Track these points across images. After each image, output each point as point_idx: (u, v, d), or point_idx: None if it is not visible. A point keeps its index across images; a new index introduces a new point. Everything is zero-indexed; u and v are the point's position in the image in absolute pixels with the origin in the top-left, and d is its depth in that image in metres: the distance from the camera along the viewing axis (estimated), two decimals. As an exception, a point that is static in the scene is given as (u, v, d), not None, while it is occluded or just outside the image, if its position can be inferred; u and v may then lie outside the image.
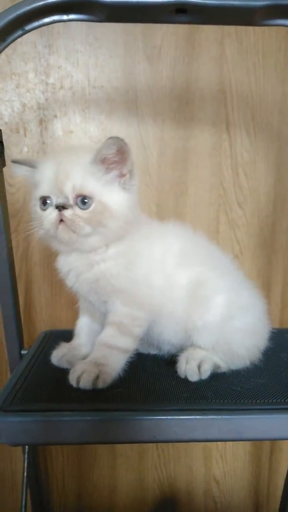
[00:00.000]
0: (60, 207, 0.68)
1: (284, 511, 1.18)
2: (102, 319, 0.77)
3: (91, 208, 0.69)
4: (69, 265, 0.75)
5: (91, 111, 1.11)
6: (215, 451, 1.33)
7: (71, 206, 0.69)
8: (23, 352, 0.92)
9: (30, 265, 1.17)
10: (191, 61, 1.13)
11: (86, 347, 0.78)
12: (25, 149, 1.12)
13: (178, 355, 0.75)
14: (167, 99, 1.14)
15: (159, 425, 0.60)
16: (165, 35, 1.11)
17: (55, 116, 1.11)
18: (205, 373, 0.72)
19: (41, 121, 1.11)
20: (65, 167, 0.70)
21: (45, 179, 0.71)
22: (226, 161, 1.19)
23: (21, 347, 0.93)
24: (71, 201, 0.69)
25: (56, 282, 1.18)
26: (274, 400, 0.65)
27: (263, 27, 1.13)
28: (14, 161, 0.76)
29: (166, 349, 0.80)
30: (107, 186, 0.70)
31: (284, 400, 0.65)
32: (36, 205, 0.72)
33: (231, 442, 1.32)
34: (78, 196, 0.69)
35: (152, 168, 1.16)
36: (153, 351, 0.84)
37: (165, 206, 1.19)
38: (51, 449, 1.27)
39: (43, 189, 0.71)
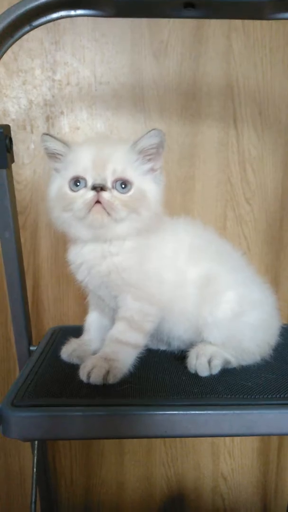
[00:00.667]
0: (98, 189, 0.67)
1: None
2: (111, 315, 0.77)
3: (130, 193, 0.69)
4: (82, 257, 0.74)
5: (98, 107, 1.11)
6: (223, 448, 1.32)
7: (109, 188, 0.68)
8: (31, 348, 0.92)
9: (38, 262, 1.17)
10: (198, 56, 1.12)
11: (95, 343, 0.78)
12: (32, 145, 1.12)
13: (188, 351, 0.75)
14: (174, 95, 1.13)
15: (170, 420, 0.60)
16: (172, 30, 1.10)
17: (62, 112, 1.11)
18: (215, 368, 0.72)
19: (47, 118, 1.11)
20: (106, 150, 0.70)
21: (82, 160, 0.70)
22: (234, 156, 1.18)
23: (29, 343, 0.93)
24: (109, 184, 0.69)
25: (64, 279, 1.18)
26: (286, 396, 0.64)
27: (270, 22, 1.12)
28: (47, 134, 0.73)
29: (176, 345, 0.80)
30: (143, 176, 0.71)
31: (295, 395, 0.65)
32: (65, 186, 0.70)
33: (239, 439, 1.32)
34: (118, 179, 0.69)
35: (159, 164, 1.16)
36: (162, 347, 0.84)
37: (172, 202, 1.19)
38: (59, 446, 1.28)
39: (78, 170, 0.69)
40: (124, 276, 0.71)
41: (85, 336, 0.80)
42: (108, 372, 0.67)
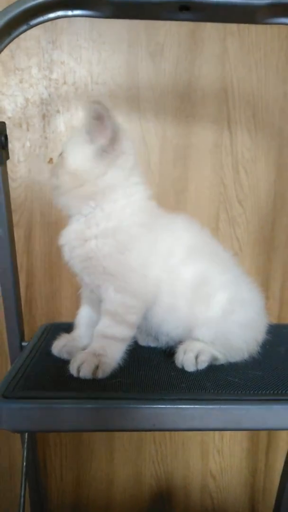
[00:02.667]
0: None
1: (279, 507, 1.19)
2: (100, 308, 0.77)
3: (57, 160, 0.77)
4: (66, 237, 0.76)
5: (94, 106, 1.12)
6: (212, 447, 1.34)
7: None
8: (23, 344, 0.93)
9: (31, 259, 1.18)
10: (193, 58, 1.14)
11: (86, 338, 0.78)
12: (28, 143, 1.12)
13: (177, 347, 0.76)
14: (169, 96, 1.15)
15: (158, 414, 0.61)
16: (168, 32, 1.12)
17: (58, 111, 1.12)
18: (202, 364, 0.73)
19: (44, 116, 1.12)
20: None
21: None
22: (227, 158, 1.20)
23: (21, 339, 0.94)
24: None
25: (57, 277, 1.19)
26: (272, 392, 0.66)
27: (265, 26, 1.14)
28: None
29: (165, 340, 0.80)
30: (76, 147, 0.74)
31: (281, 391, 0.66)
32: None
33: (228, 438, 1.33)
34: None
35: (153, 164, 1.17)
36: (153, 344, 0.85)
37: (166, 203, 1.17)
38: (50, 443, 1.28)
39: None
40: (104, 264, 0.72)
41: (76, 332, 0.81)
42: (97, 367, 0.68)
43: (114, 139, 0.72)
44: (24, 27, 0.79)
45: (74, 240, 0.75)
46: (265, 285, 1.25)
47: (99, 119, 0.71)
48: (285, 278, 1.26)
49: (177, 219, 0.80)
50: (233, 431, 1.33)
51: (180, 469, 1.34)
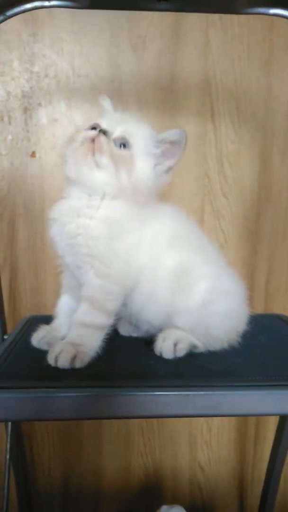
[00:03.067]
0: (101, 132, 0.72)
1: (266, 496, 1.20)
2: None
3: (121, 151, 0.73)
4: (59, 212, 0.76)
5: (76, 99, 1.12)
6: (200, 438, 1.34)
7: (110, 138, 0.73)
8: (5, 337, 0.93)
9: (15, 253, 1.18)
10: (176, 50, 1.14)
11: (65, 328, 0.78)
12: (10, 137, 1.12)
13: (157, 335, 0.76)
14: (152, 89, 1.14)
15: (136, 401, 0.62)
16: (150, 25, 1.11)
17: (40, 104, 1.12)
18: (180, 352, 0.73)
19: (25, 109, 1.12)
20: (128, 118, 0.78)
21: (108, 115, 0.78)
22: (211, 151, 1.20)
23: (3, 332, 0.93)
24: (113, 136, 0.73)
25: (41, 270, 1.19)
26: (249, 378, 0.66)
27: (248, 18, 1.14)
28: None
29: (145, 328, 0.81)
30: (147, 156, 0.75)
31: (259, 378, 0.67)
32: (83, 130, 0.75)
33: (216, 429, 1.34)
34: (121, 139, 0.73)
35: (137, 157, 1.17)
36: (134, 334, 0.85)
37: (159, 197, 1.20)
38: (37, 436, 1.28)
39: (99, 121, 0.75)
40: (91, 244, 0.72)
41: (55, 322, 0.81)
42: (75, 357, 0.68)
43: (171, 170, 0.77)
44: (1, 17, 0.79)
45: (67, 216, 0.74)
46: (250, 276, 1.26)
47: (177, 144, 0.75)
48: (270, 270, 1.26)
49: (164, 208, 0.81)
50: (221, 422, 1.34)
51: (168, 461, 1.35)
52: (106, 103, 0.82)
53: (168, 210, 0.82)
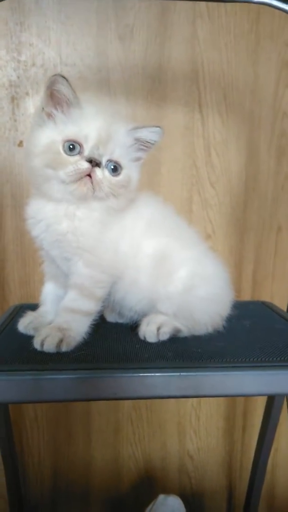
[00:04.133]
0: (94, 163, 0.69)
1: (253, 484, 1.22)
2: (66, 283, 0.77)
3: (119, 178, 0.72)
4: (44, 214, 0.74)
5: (63, 88, 1.12)
6: (189, 427, 1.35)
7: (102, 167, 0.70)
8: (-7, 325, 0.93)
9: (3, 243, 1.18)
10: (163, 41, 1.14)
11: (51, 314, 0.79)
12: (-3, 126, 1.12)
13: (141, 320, 0.77)
14: (139, 79, 1.15)
15: (119, 383, 0.62)
16: (137, 15, 1.12)
17: (27, 93, 1.12)
18: (164, 335, 0.74)
19: (12, 99, 1.11)
20: (111, 126, 0.71)
21: (87, 126, 0.69)
22: (199, 141, 1.21)
23: (-8, 321, 0.94)
24: (104, 162, 0.70)
25: (29, 260, 1.19)
26: (231, 359, 0.67)
27: (234, 8, 1.14)
28: (63, 77, 0.69)
29: (129, 315, 0.82)
30: (131, 162, 0.75)
31: (241, 359, 0.67)
32: (58, 144, 0.69)
33: (204, 418, 1.35)
34: (111, 161, 0.71)
35: (125, 147, 1.17)
36: (120, 320, 0.86)
37: (139, 185, 1.20)
38: (27, 426, 1.29)
39: (80, 135, 0.69)
40: (81, 239, 0.72)
41: (41, 308, 0.81)
42: (61, 341, 0.69)
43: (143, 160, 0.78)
44: (-15, 3, 0.79)
45: (54, 217, 0.73)
46: (238, 265, 1.27)
47: (155, 143, 0.76)
48: (257, 259, 1.27)
49: (139, 196, 0.81)
50: (209, 411, 1.35)
51: (157, 450, 1.36)
52: (65, 88, 0.69)
53: (144, 198, 0.82)
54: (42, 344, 0.68)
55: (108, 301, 0.78)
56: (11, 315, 0.91)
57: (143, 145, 0.75)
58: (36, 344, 0.69)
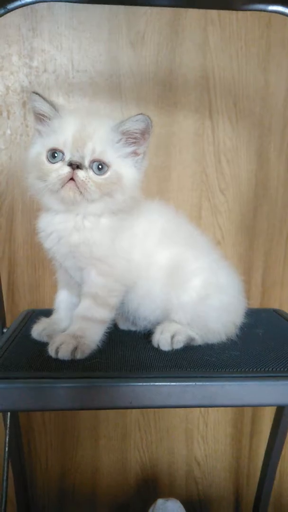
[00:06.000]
0: (75, 166, 0.67)
1: (261, 491, 1.21)
2: (78, 291, 0.77)
3: (106, 176, 0.70)
4: (54, 226, 0.74)
5: (75, 94, 1.12)
6: (197, 433, 1.35)
7: (85, 168, 0.69)
8: (4, 330, 0.93)
9: (13, 248, 1.18)
10: (174, 47, 1.14)
11: (65, 321, 0.79)
12: (9, 131, 1.12)
13: (155, 328, 0.77)
14: (150, 84, 1.15)
15: (134, 392, 0.62)
16: (149, 21, 1.12)
17: (39, 99, 1.12)
18: (178, 344, 0.74)
19: (24, 104, 1.12)
20: (90, 126, 0.70)
21: (64, 132, 0.69)
22: (209, 147, 1.21)
23: (3, 325, 0.94)
24: (87, 163, 0.69)
25: (40, 265, 1.19)
26: (247, 369, 0.67)
27: (245, 15, 1.15)
28: (37, 93, 0.71)
29: (142, 324, 0.81)
30: (123, 159, 0.72)
31: (257, 369, 0.67)
32: (42, 155, 0.70)
33: (212, 424, 1.35)
34: (95, 160, 0.69)
35: (136, 152, 1.17)
36: (133, 328, 0.86)
37: (148, 191, 1.18)
38: (35, 431, 1.29)
39: (59, 142, 0.69)
40: (94, 249, 0.72)
41: (55, 315, 0.81)
42: (76, 348, 0.69)
43: (145, 154, 0.74)
44: (2, 11, 0.79)
45: (64, 230, 0.73)
46: (247, 272, 1.27)
47: (145, 131, 0.71)
48: (266, 265, 1.27)
49: (152, 205, 0.81)
50: (217, 417, 1.35)
51: (165, 456, 1.35)
52: (40, 104, 0.71)
53: (156, 207, 0.82)
54: (57, 352, 0.68)
55: (121, 311, 0.78)
56: (23, 320, 0.91)
57: (131, 137, 0.71)
58: (51, 352, 0.69)
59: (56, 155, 0.69)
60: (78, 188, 0.68)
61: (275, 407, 1.14)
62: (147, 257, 0.76)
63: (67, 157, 0.69)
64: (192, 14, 1.13)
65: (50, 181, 0.68)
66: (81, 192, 0.68)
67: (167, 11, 1.12)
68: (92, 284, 0.73)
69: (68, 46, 1.11)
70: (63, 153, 0.69)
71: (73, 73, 1.12)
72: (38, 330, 0.78)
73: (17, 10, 1.03)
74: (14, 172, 1.14)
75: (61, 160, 0.69)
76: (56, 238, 0.74)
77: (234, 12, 1.14)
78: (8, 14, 0.82)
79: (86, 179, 0.68)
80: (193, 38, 1.14)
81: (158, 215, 0.81)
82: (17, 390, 0.62)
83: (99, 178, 0.69)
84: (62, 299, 0.82)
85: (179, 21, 1.13)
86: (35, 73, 1.11)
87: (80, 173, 0.68)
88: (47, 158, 0.69)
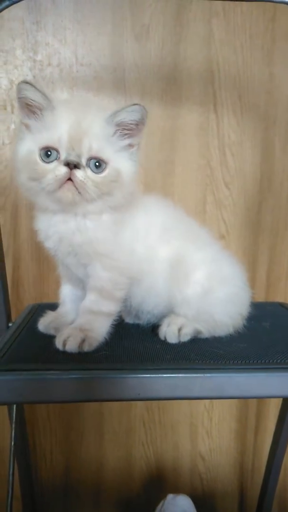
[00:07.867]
0: (72, 165, 0.64)
1: (266, 486, 1.21)
2: (81, 285, 0.77)
3: (104, 174, 0.66)
4: (54, 227, 0.72)
5: (79, 88, 1.12)
6: (201, 428, 1.35)
7: (83, 167, 0.65)
8: (10, 324, 0.92)
9: (18, 243, 1.18)
10: (179, 40, 1.14)
11: (71, 314, 0.78)
12: (13, 126, 1.12)
13: (162, 320, 0.77)
14: (155, 78, 1.14)
15: (143, 383, 0.62)
16: (153, 14, 1.11)
17: (43, 93, 1.11)
18: (185, 337, 0.74)
19: (29, 98, 1.11)
20: (84, 122, 0.65)
21: (57, 128, 0.64)
22: (214, 141, 1.20)
23: (8, 320, 0.93)
24: (84, 162, 0.65)
25: (44, 260, 1.19)
26: (255, 361, 0.67)
27: (250, 8, 1.14)
28: (27, 82, 0.65)
29: (147, 318, 0.81)
30: (119, 153, 0.68)
31: (264, 361, 0.67)
32: (35, 153, 0.65)
33: (216, 419, 1.35)
34: (93, 158, 0.65)
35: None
36: (138, 321, 0.85)
37: (153, 185, 1.20)
38: (39, 426, 1.29)
39: (53, 139, 0.64)
40: (97, 246, 0.71)
41: (61, 308, 0.81)
42: (83, 341, 0.68)
43: (139, 145, 0.70)
44: (6, 2, 0.79)
45: (65, 230, 0.71)
46: (252, 267, 1.26)
47: (140, 122, 0.68)
48: (271, 260, 1.27)
49: (149, 199, 0.80)
50: (221, 412, 1.34)
51: (169, 451, 1.35)
52: (32, 94, 0.65)
53: (154, 201, 0.81)
54: (64, 344, 0.68)
55: (125, 305, 0.78)
56: (28, 314, 0.90)
57: (126, 129, 0.67)
58: (58, 344, 0.69)
59: (50, 153, 0.64)
60: (76, 188, 0.65)
61: (281, 401, 1.14)
62: (149, 253, 0.76)
63: (63, 156, 0.64)
64: (197, 7, 1.12)
65: (46, 182, 0.64)
66: (79, 193, 0.65)
67: (172, 4, 1.12)
68: (97, 278, 0.73)
69: (72, 40, 1.10)
70: (58, 152, 0.65)
71: (77, 67, 1.11)
72: (44, 323, 0.78)
73: (21, 3, 1.03)
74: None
75: (56, 159, 0.65)
76: (57, 239, 0.72)
77: (239, 5, 1.13)
78: (12, 8, 0.82)
79: (84, 179, 0.65)
80: (198, 31, 1.13)
81: (157, 210, 0.80)
82: (24, 382, 0.62)
83: (97, 177, 0.66)
84: (67, 292, 0.81)
85: (184, 14, 1.13)
86: (39, 67, 1.11)
87: (78, 173, 0.64)
88: (40, 157, 0.65)
